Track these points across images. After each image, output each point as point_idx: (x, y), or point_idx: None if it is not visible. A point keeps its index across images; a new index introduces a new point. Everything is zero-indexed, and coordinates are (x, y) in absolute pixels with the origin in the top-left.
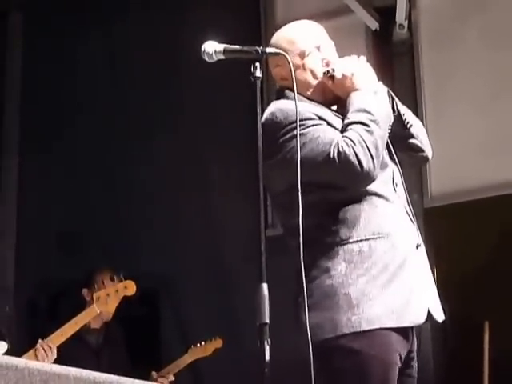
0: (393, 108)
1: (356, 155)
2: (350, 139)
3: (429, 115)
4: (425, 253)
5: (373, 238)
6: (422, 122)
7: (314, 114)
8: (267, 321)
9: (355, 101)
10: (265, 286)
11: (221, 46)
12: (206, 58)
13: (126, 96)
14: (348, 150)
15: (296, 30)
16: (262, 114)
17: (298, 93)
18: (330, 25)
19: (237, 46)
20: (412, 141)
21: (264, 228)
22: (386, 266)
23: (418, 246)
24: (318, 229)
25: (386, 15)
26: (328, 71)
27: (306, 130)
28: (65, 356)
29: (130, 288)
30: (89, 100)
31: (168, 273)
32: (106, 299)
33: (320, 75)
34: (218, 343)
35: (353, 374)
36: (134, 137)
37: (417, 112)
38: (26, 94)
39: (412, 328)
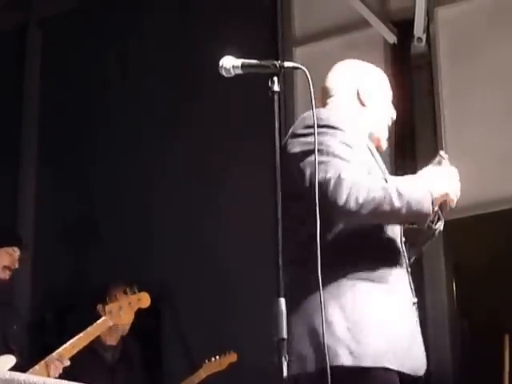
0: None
1: (353, 193)
2: (364, 182)
3: (447, 128)
4: (417, 314)
5: (380, 282)
6: (441, 134)
7: (358, 142)
8: (285, 336)
9: (407, 177)
10: (282, 300)
11: (238, 61)
12: (224, 73)
13: (139, 111)
14: (350, 184)
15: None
16: (280, 128)
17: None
18: (348, 38)
19: (254, 61)
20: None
21: (281, 242)
22: (391, 309)
23: (413, 304)
24: (331, 253)
25: (404, 28)
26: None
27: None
28: (80, 372)
29: (143, 300)
30: (103, 114)
31: (173, 284)
32: (119, 312)
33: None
34: (232, 357)
35: None
36: (146, 150)
37: (435, 125)
38: (43, 108)
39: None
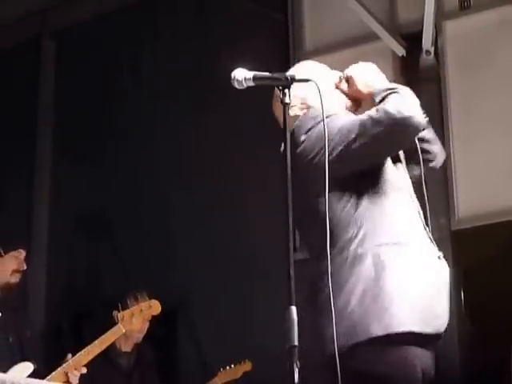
0: None
1: (394, 105)
2: (381, 102)
3: (456, 139)
4: (446, 266)
5: (396, 244)
6: (450, 146)
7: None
8: (296, 343)
9: (376, 90)
10: (293, 308)
11: (250, 73)
12: (236, 85)
13: (153, 119)
14: (384, 106)
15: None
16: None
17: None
18: (358, 51)
19: (266, 73)
20: (425, 145)
21: (293, 251)
22: (412, 271)
23: (439, 258)
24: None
25: (413, 41)
26: (341, 77)
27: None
28: (97, 379)
29: (154, 307)
30: (118, 120)
31: (190, 293)
32: (131, 319)
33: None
34: (247, 366)
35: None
36: (159, 157)
37: (444, 136)
38: (58, 118)
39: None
